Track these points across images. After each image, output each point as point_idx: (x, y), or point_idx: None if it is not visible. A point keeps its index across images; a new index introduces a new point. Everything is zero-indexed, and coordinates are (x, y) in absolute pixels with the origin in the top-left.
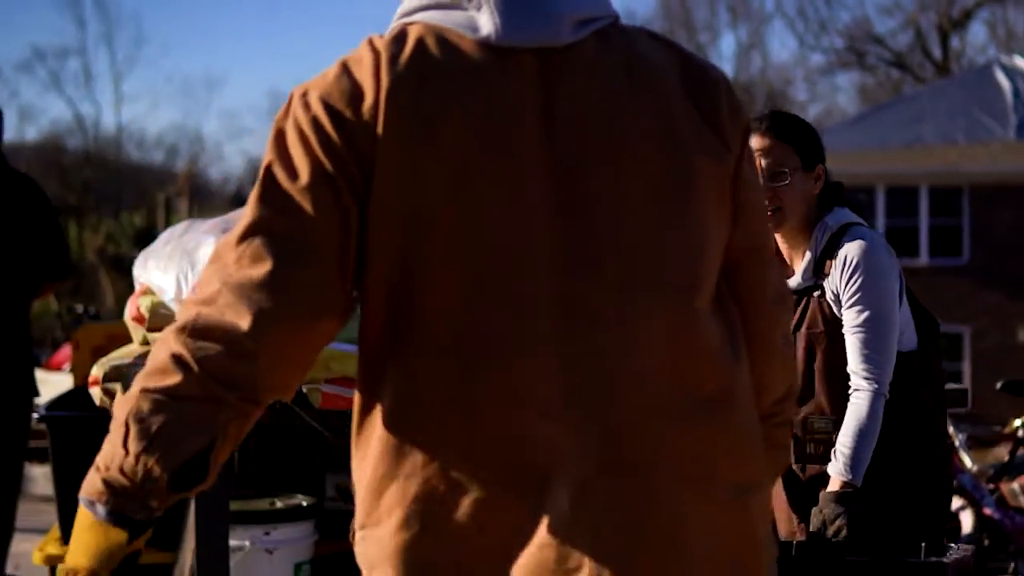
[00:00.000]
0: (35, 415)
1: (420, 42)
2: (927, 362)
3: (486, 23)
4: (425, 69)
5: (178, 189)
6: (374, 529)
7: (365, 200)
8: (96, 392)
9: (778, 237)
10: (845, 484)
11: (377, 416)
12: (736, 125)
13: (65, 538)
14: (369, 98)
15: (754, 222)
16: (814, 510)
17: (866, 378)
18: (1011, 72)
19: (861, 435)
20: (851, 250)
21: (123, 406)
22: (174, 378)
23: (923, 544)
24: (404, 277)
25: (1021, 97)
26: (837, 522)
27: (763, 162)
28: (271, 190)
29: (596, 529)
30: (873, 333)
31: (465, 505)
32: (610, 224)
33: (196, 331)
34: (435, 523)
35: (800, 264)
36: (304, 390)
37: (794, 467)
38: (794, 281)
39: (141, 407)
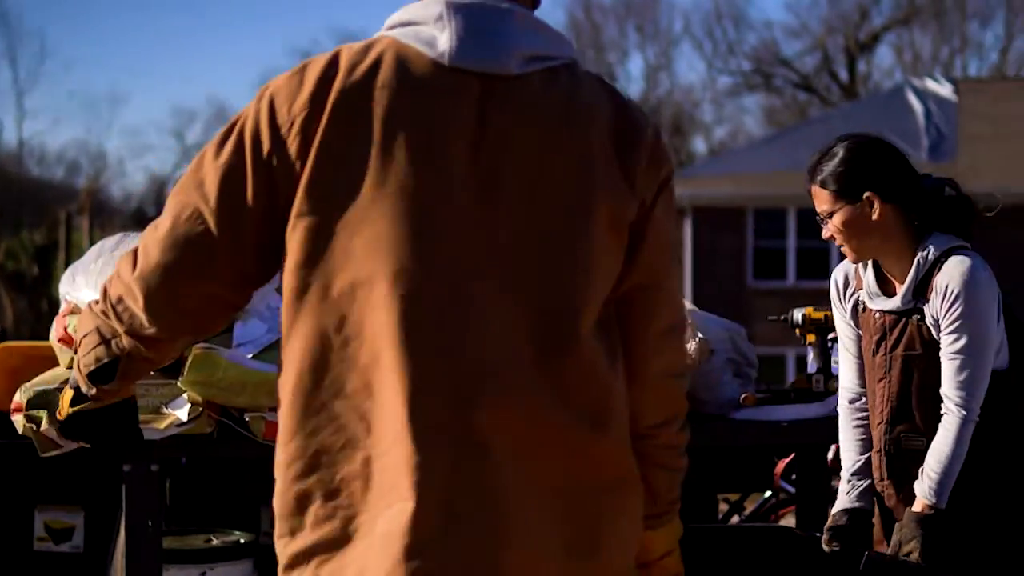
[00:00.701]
0: None
1: (381, 55)
2: (1021, 378)
3: (443, 44)
4: (378, 78)
5: (79, 206)
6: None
7: (283, 192)
8: (19, 420)
9: (881, 263)
10: (928, 507)
11: (285, 393)
12: (653, 174)
13: None
14: (303, 97)
15: (652, 261)
16: (896, 526)
17: (957, 404)
18: (922, 94)
19: (948, 459)
20: (952, 278)
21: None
22: (99, 305)
23: None
24: (313, 262)
25: (933, 119)
26: (911, 543)
27: (818, 210)
28: (200, 162)
29: (449, 502)
30: (968, 361)
31: (357, 465)
32: (512, 246)
33: (117, 271)
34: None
35: (900, 287)
36: (247, 418)
37: (886, 481)
38: (893, 304)
39: (84, 313)
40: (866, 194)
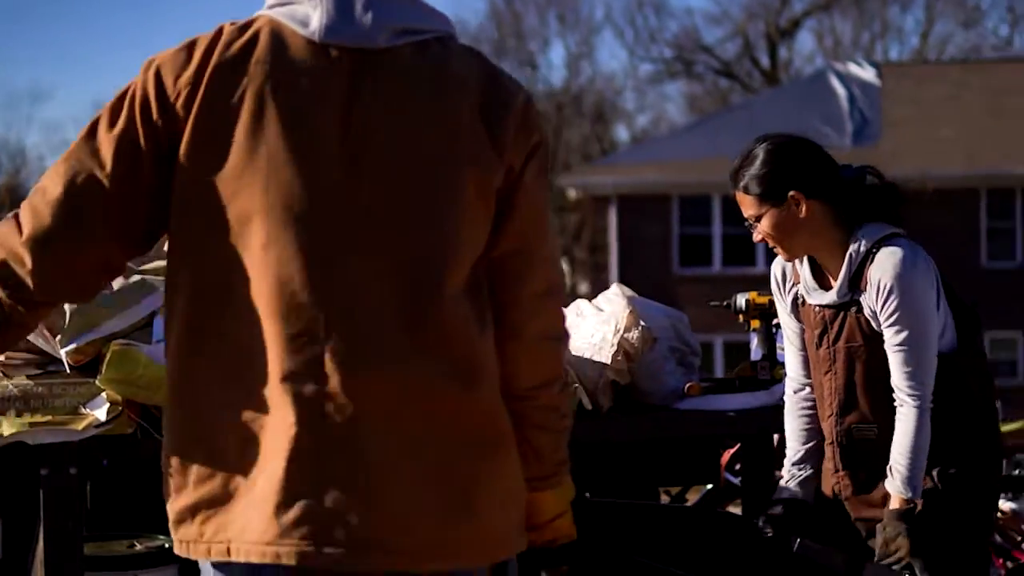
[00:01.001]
0: None
1: (258, 32)
2: (969, 359)
3: (315, 22)
4: (253, 55)
5: None
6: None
7: (170, 159)
8: None
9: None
10: (905, 501)
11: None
12: (522, 143)
13: None
14: (190, 71)
15: (524, 226)
16: (878, 527)
17: (910, 395)
18: (845, 79)
19: (913, 451)
20: (884, 272)
21: None
22: None
23: None
24: (190, 232)
25: (856, 104)
26: (899, 540)
27: (745, 215)
28: (92, 131)
29: (320, 463)
30: (912, 351)
31: (234, 428)
32: (378, 211)
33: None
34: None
35: (836, 282)
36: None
37: (841, 472)
38: (830, 298)
39: None
40: (791, 193)
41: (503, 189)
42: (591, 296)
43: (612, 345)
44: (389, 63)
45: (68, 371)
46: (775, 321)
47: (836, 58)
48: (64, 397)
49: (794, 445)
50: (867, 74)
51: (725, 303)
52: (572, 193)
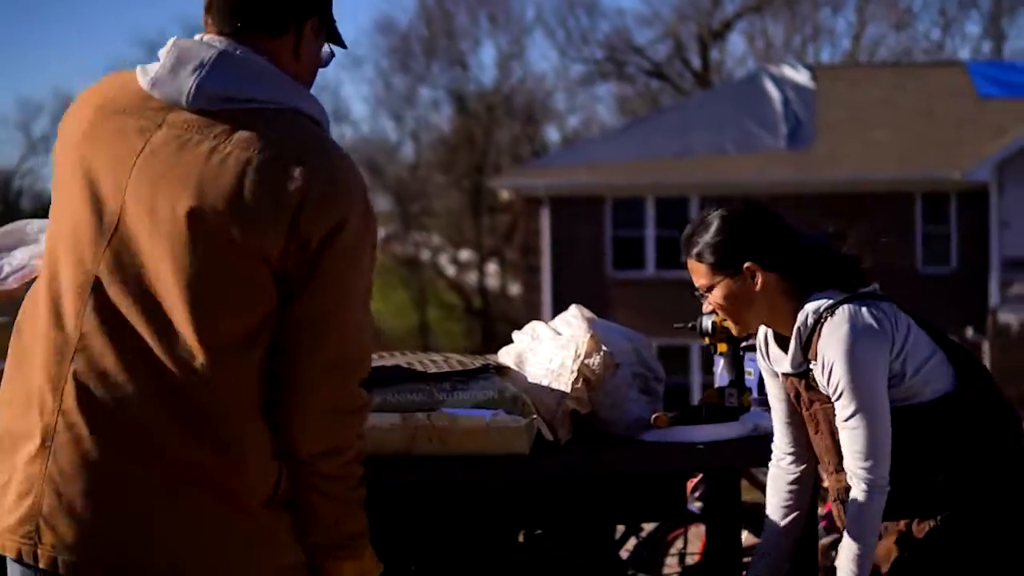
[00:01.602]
0: None
1: (115, 82)
2: (971, 395)
3: (150, 73)
4: (99, 101)
5: None
6: None
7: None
8: None
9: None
10: None
11: None
12: (320, 220)
13: None
14: (67, 120)
15: (320, 299)
16: None
17: (861, 477)
18: (779, 81)
19: (860, 535)
20: (828, 346)
21: None
22: None
23: None
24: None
25: (791, 107)
26: None
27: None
28: None
29: (50, 478)
30: (861, 429)
31: (8, 435)
32: (146, 272)
33: None
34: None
35: (789, 352)
36: None
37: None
38: (786, 367)
39: None
40: (746, 265)
41: (295, 261)
42: (523, 298)
43: (572, 372)
44: (195, 123)
45: None
46: (743, 344)
47: (768, 60)
48: None
49: (771, 523)
50: (801, 77)
51: (690, 325)
52: (504, 195)
